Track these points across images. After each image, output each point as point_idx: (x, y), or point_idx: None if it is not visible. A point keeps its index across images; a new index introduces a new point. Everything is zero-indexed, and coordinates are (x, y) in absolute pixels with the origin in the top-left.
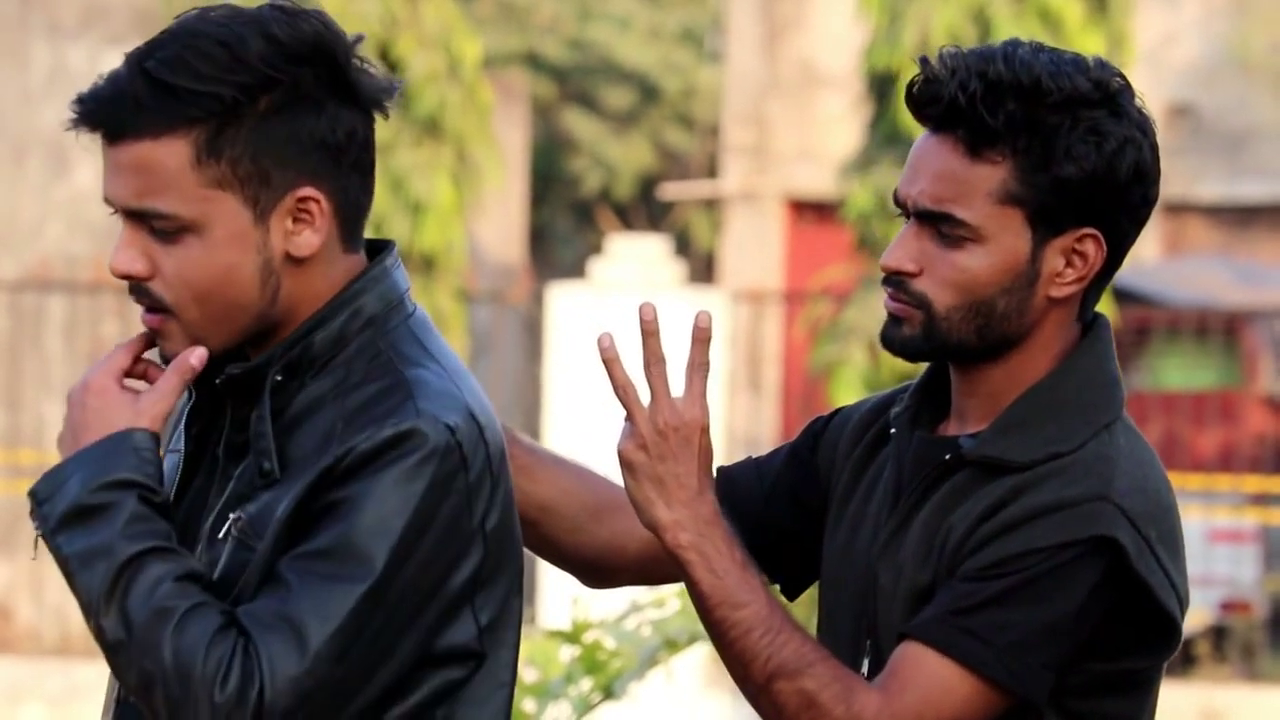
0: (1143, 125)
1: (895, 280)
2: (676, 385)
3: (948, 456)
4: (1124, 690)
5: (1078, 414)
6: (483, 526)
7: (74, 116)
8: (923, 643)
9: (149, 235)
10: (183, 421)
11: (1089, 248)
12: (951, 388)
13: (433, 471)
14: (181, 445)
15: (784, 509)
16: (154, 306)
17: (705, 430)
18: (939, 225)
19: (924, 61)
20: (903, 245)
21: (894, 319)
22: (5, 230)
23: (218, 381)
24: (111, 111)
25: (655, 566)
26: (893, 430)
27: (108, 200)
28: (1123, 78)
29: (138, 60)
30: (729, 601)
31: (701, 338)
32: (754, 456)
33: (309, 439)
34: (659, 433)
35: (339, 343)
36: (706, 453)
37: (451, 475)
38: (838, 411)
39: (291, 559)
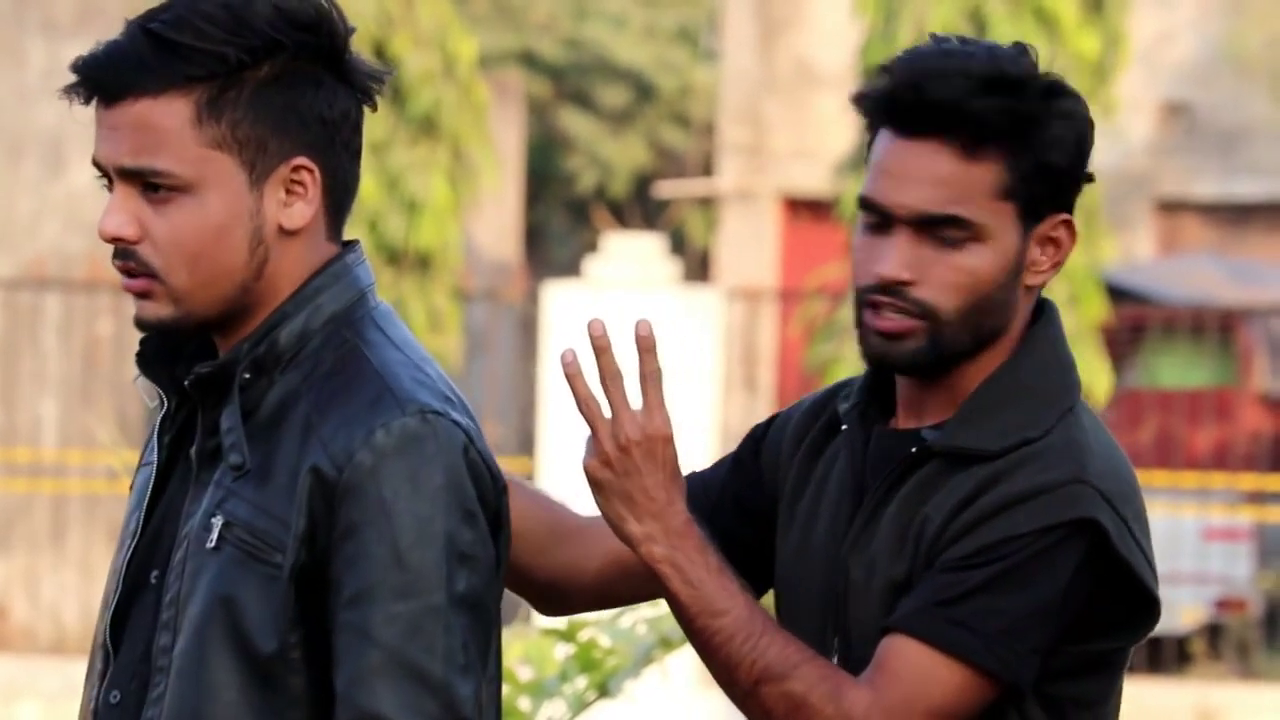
0: (1086, 104)
1: (893, 291)
2: (668, 388)
3: (914, 450)
4: (1099, 670)
5: (1041, 399)
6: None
7: (73, 80)
8: (909, 635)
9: (140, 198)
10: (155, 432)
11: (1062, 234)
12: (897, 382)
13: (445, 460)
14: (154, 458)
15: (731, 519)
16: (139, 271)
17: (668, 441)
18: (940, 230)
19: (885, 69)
20: (898, 254)
21: (888, 336)
22: (1, 228)
23: (186, 383)
24: (112, 69)
25: (610, 591)
26: (844, 426)
27: (99, 163)
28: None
29: (141, 22)
30: (708, 610)
31: (646, 346)
32: (697, 471)
33: (288, 435)
34: (621, 448)
35: (303, 338)
36: (671, 463)
37: (464, 451)
38: (776, 416)
39: (351, 603)
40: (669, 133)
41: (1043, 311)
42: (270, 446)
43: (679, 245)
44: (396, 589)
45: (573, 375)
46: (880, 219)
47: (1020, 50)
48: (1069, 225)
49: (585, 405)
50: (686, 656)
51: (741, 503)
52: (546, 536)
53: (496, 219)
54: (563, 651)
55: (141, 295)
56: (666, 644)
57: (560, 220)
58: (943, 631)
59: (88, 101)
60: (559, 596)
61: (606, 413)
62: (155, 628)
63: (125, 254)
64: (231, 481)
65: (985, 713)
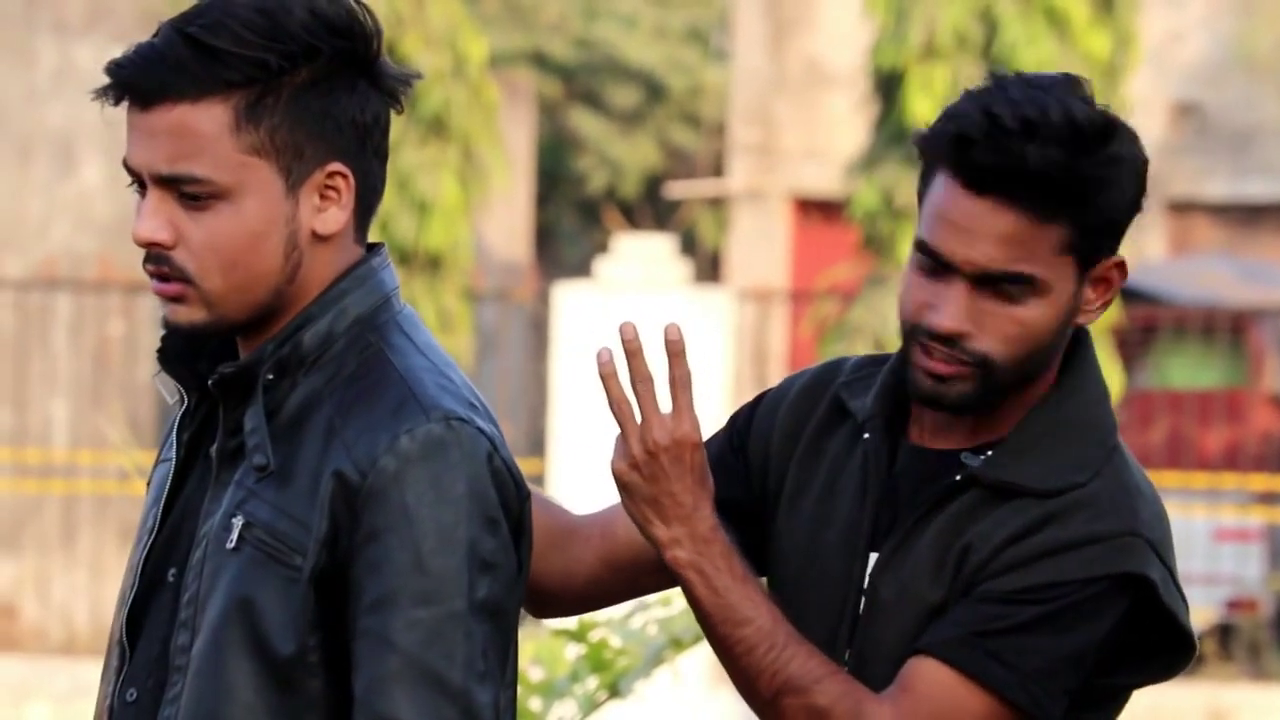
0: (1143, 157)
1: (952, 342)
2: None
3: (958, 477)
4: (1114, 700)
5: (1088, 435)
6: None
7: (108, 81)
8: (941, 660)
9: (175, 203)
10: (174, 429)
11: (1114, 274)
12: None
13: (468, 467)
14: (173, 454)
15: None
16: (172, 275)
17: (696, 446)
18: (1001, 285)
19: (961, 116)
20: (956, 307)
21: (938, 377)
22: (11, 229)
23: (210, 382)
24: (150, 74)
25: (599, 591)
26: (866, 435)
27: (133, 168)
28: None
29: (176, 27)
30: (731, 619)
31: (676, 350)
32: None
33: (311, 437)
34: (649, 453)
35: (327, 340)
36: (700, 468)
37: (488, 459)
38: (763, 396)
39: (371, 609)
40: (679, 133)
41: (1079, 338)
42: (292, 448)
43: (690, 246)
44: (417, 595)
45: (607, 375)
46: (938, 265)
47: (1082, 92)
48: (1121, 266)
49: (618, 407)
50: (697, 657)
51: (723, 502)
52: (543, 541)
53: (507, 219)
54: (574, 652)
55: (174, 299)
56: (677, 644)
57: (571, 220)
58: (979, 661)
59: (118, 103)
60: (551, 600)
61: (637, 416)
62: (173, 626)
63: (159, 259)
64: (254, 482)
65: None
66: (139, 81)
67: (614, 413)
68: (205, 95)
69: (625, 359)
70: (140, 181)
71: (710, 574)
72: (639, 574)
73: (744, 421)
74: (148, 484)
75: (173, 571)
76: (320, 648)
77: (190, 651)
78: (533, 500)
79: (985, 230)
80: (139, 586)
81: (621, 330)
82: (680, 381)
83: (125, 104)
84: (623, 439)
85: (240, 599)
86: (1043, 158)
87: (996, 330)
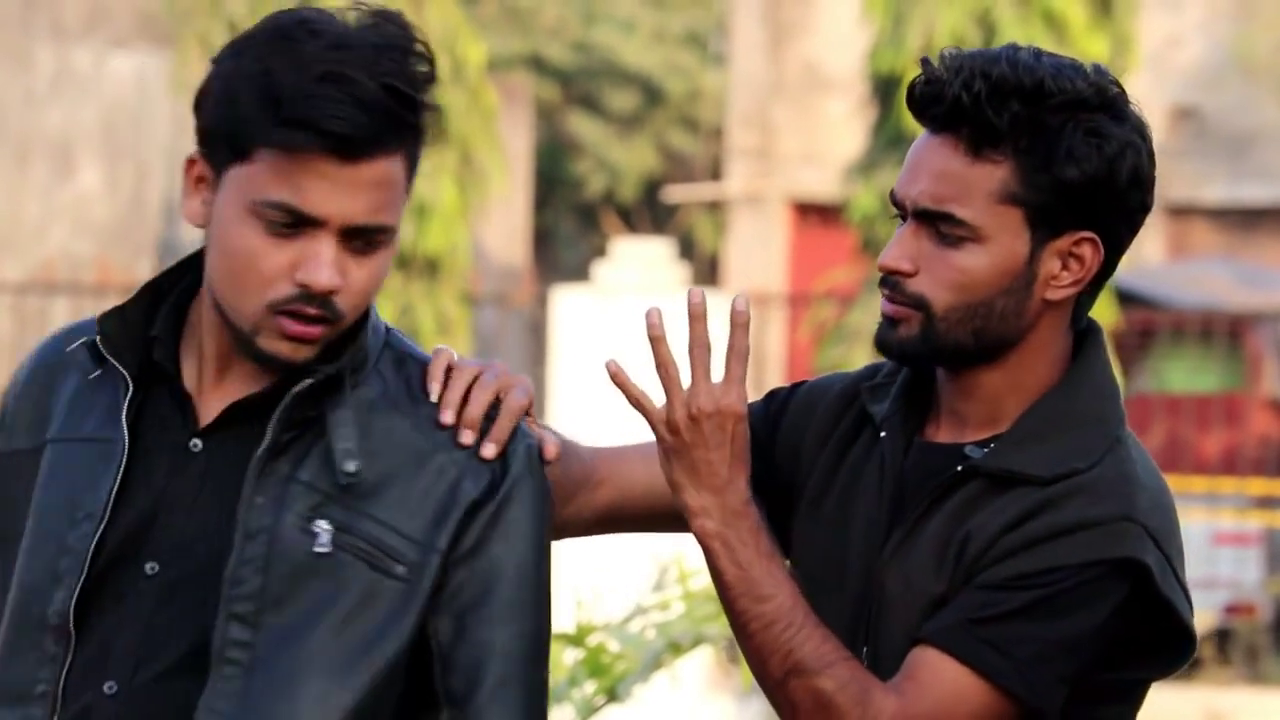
0: (1141, 130)
1: (892, 281)
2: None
3: (960, 468)
4: (1122, 698)
5: (1091, 425)
6: None
7: (322, 133)
8: (941, 649)
9: (346, 252)
10: (101, 410)
11: (1086, 251)
12: (939, 389)
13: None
14: (115, 435)
15: None
16: (327, 318)
17: (740, 418)
18: (938, 224)
19: (925, 62)
20: (900, 245)
21: (890, 321)
22: (9, 232)
23: (303, 387)
24: (368, 127)
25: (608, 525)
26: (883, 434)
27: (317, 215)
28: (1118, 84)
29: (380, 79)
30: (751, 594)
31: (740, 322)
32: None
33: (385, 446)
34: (692, 417)
35: (368, 349)
36: (740, 441)
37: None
38: (799, 387)
39: (481, 619)
40: (677, 137)
41: (1090, 333)
42: (371, 457)
43: (688, 249)
44: (524, 606)
45: (657, 338)
46: (900, 210)
47: (1094, 69)
48: (1093, 244)
49: (664, 369)
50: (695, 662)
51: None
52: (571, 486)
53: (505, 223)
54: (571, 656)
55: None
56: (675, 649)
57: (569, 224)
58: (975, 650)
59: (325, 155)
60: (616, 523)
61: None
62: (181, 622)
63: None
64: (335, 487)
65: None
66: (356, 135)
67: (660, 374)
68: (400, 149)
69: (689, 323)
70: (302, 224)
71: (736, 547)
72: (649, 521)
73: (780, 402)
74: (39, 463)
75: (152, 565)
76: (407, 654)
77: (251, 646)
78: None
79: (925, 166)
80: (90, 571)
81: (690, 294)
82: (738, 352)
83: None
84: (667, 402)
85: (332, 602)
86: (979, 88)
87: (935, 273)
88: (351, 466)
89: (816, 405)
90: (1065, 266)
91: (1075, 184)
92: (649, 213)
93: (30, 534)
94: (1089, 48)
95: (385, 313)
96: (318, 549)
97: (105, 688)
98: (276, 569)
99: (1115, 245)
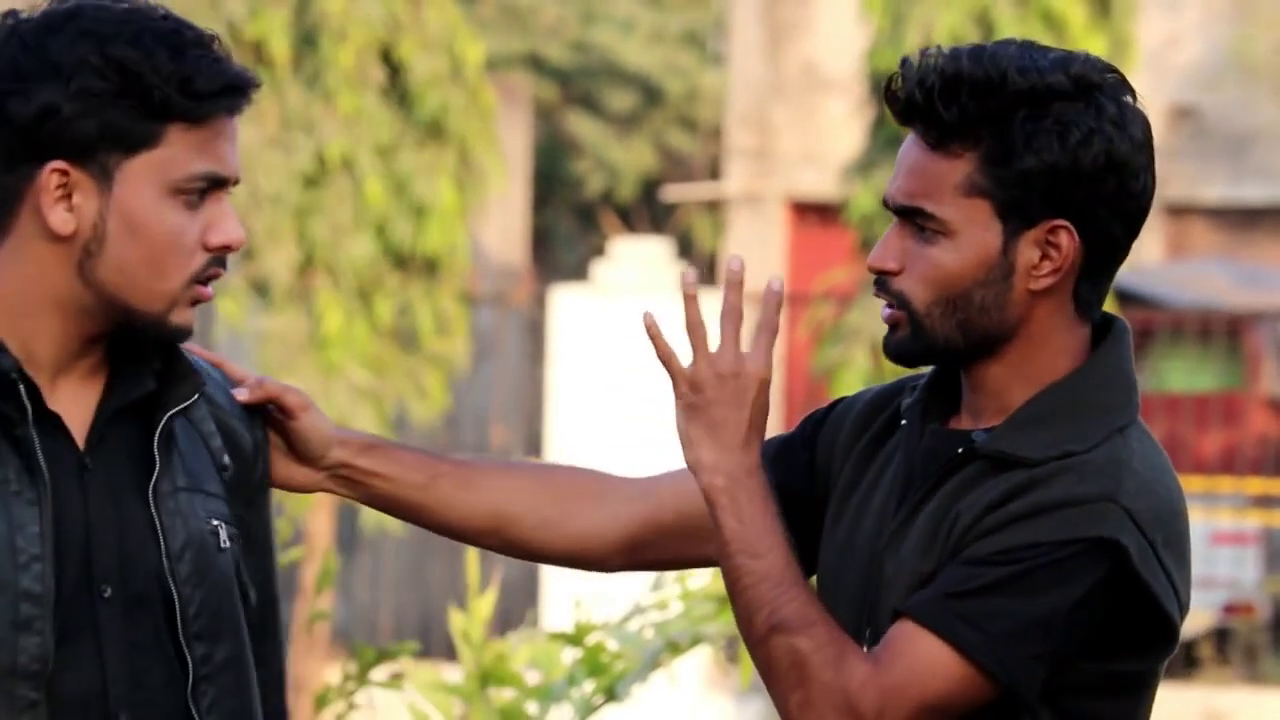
0: (1119, 118)
1: (881, 281)
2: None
3: (960, 450)
4: (1120, 691)
5: (1094, 414)
6: None
7: (230, 92)
8: (917, 622)
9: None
10: (35, 443)
11: (1062, 239)
12: (962, 384)
13: None
14: (9, 473)
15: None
16: None
17: (765, 385)
18: (915, 221)
19: (902, 61)
20: (885, 244)
21: (890, 327)
22: None
23: (179, 406)
24: (251, 80)
25: (640, 551)
26: (903, 421)
27: (234, 174)
28: (1115, 74)
29: (204, 34)
30: (748, 550)
31: (773, 300)
32: None
33: (200, 438)
34: (719, 375)
35: None
36: (761, 409)
37: None
38: (838, 402)
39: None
40: (676, 137)
41: (1111, 328)
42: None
43: (686, 249)
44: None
45: (690, 297)
46: (888, 208)
47: (1084, 60)
48: (1069, 231)
49: (694, 330)
50: (694, 661)
51: (784, 486)
52: (548, 510)
53: (504, 223)
54: (570, 655)
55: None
56: (674, 648)
57: (568, 224)
58: (948, 623)
59: (227, 115)
60: (591, 560)
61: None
62: (152, 645)
63: None
64: (197, 480)
65: (998, 717)
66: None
67: (690, 334)
68: None
69: (725, 290)
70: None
71: (741, 503)
72: (679, 542)
73: (815, 422)
74: None
75: (104, 588)
76: None
77: (214, 659)
78: (525, 473)
79: (903, 164)
80: (62, 612)
81: (729, 262)
82: (768, 326)
83: None
84: (694, 362)
85: (237, 596)
86: (932, 83)
87: (915, 270)
88: (226, 460)
89: (848, 415)
90: (1045, 256)
91: (1036, 173)
92: (648, 212)
93: None
94: (1087, 47)
95: (383, 312)
96: (223, 546)
97: (119, 715)
98: (209, 577)
99: (1099, 232)
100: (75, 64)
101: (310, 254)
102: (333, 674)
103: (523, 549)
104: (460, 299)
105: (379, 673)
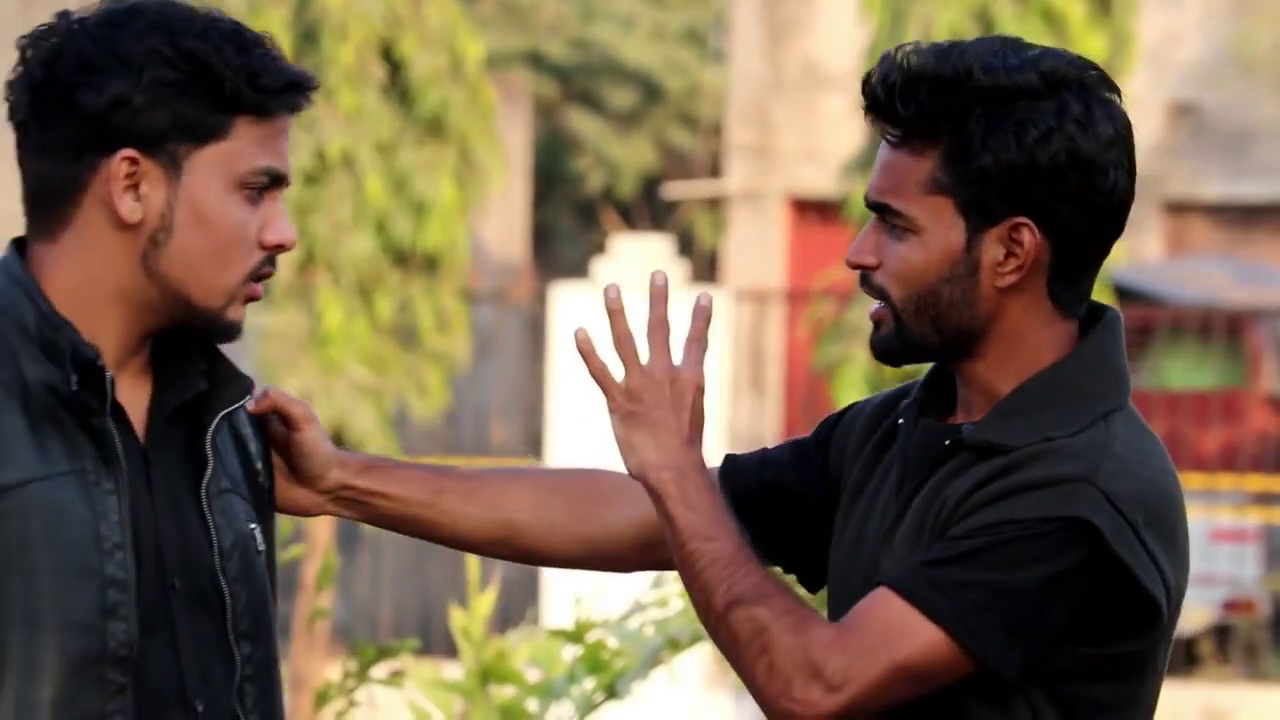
0: (1084, 116)
1: (863, 275)
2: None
3: (948, 442)
4: (1114, 675)
5: (1078, 401)
6: None
7: (294, 90)
8: (890, 588)
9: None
10: (115, 436)
11: (1024, 236)
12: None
13: None
14: (84, 464)
15: (783, 501)
16: None
17: (700, 390)
18: (886, 218)
19: (881, 57)
20: (862, 239)
21: (875, 325)
22: (10, 232)
23: (231, 408)
24: (311, 81)
25: (654, 550)
26: (901, 421)
27: (289, 173)
28: (1096, 71)
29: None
30: (700, 534)
31: (702, 315)
32: (764, 448)
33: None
34: (656, 383)
35: None
36: (699, 412)
37: None
38: (851, 407)
39: None
40: (677, 134)
41: (1101, 318)
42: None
43: (686, 246)
44: None
45: (615, 311)
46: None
47: (1061, 59)
48: (1030, 228)
49: (622, 342)
50: (694, 659)
51: (798, 487)
52: (558, 515)
53: (504, 220)
54: (571, 653)
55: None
56: (674, 645)
57: (568, 221)
58: (920, 590)
59: (289, 114)
60: (609, 560)
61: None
62: (213, 640)
63: None
64: (249, 489)
65: (991, 700)
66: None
67: (619, 348)
68: None
69: (650, 304)
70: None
71: (691, 493)
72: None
73: (829, 426)
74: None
75: (175, 581)
76: None
77: (255, 659)
78: (530, 480)
79: (878, 161)
80: (140, 601)
81: (654, 277)
82: (698, 340)
83: None
84: (627, 374)
85: (270, 596)
86: (893, 81)
87: (889, 267)
88: (260, 465)
89: (858, 419)
90: (1009, 253)
91: (993, 171)
92: (648, 209)
93: (49, 574)
94: (1088, 45)
95: (384, 309)
96: (260, 549)
97: (196, 705)
98: (252, 578)
99: (1065, 229)
100: (146, 55)
101: (310, 251)
102: (333, 671)
103: (536, 556)
104: (461, 296)
105: (379, 670)
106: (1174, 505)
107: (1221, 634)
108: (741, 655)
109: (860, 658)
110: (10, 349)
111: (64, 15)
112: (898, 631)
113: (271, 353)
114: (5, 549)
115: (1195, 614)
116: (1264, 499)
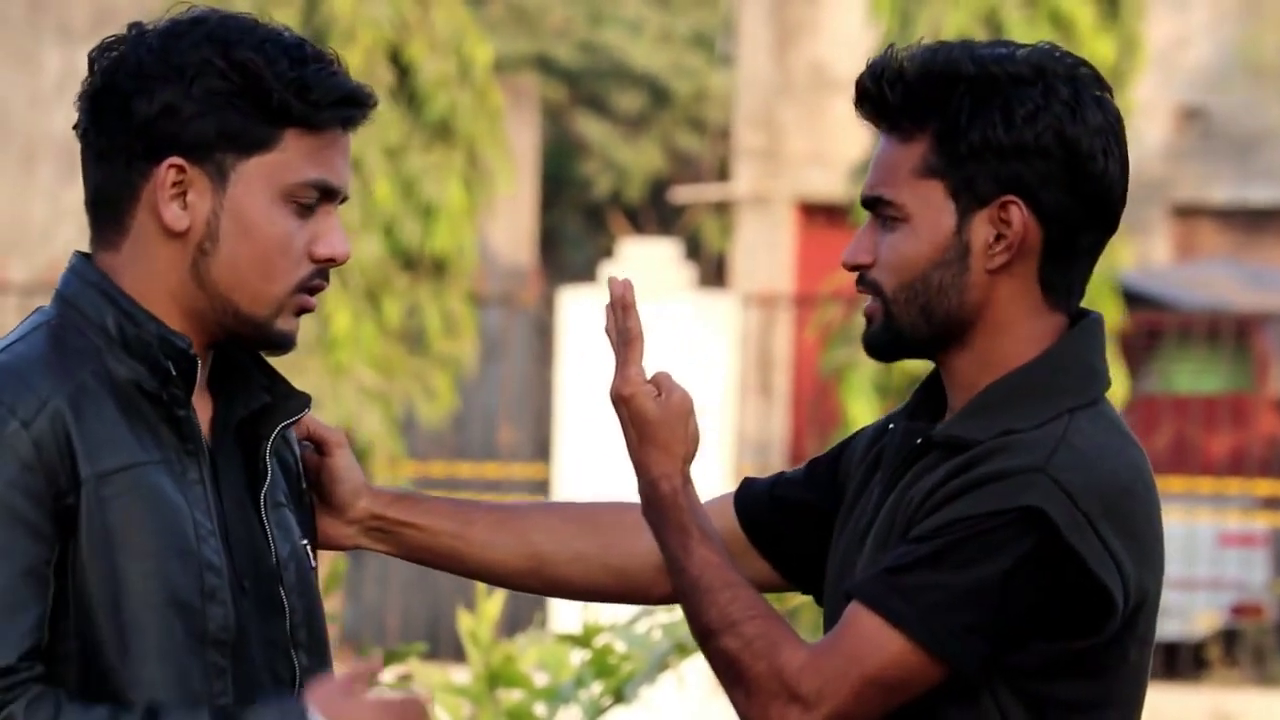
0: (1073, 100)
1: (860, 277)
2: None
3: (919, 440)
4: (1078, 673)
5: (1043, 397)
6: None
7: (349, 104)
8: (857, 599)
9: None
10: (203, 426)
11: (1012, 214)
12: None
13: None
14: (169, 454)
15: (797, 517)
16: None
17: (692, 412)
18: (878, 211)
19: (870, 60)
20: (857, 240)
21: (868, 321)
22: (16, 234)
23: (289, 420)
24: (368, 98)
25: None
26: (891, 426)
27: (345, 188)
28: (1088, 69)
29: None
30: (674, 559)
31: (627, 309)
32: (784, 471)
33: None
34: (668, 388)
35: None
36: (695, 434)
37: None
38: (868, 427)
39: None
40: (684, 138)
41: (1085, 320)
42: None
43: (694, 250)
44: None
45: (626, 306)
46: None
47: (1050, 53)
48: (1019, 206)
49: (629, 340)
50: (701, 663)
51: (810, 506)
52: (582, 545)
53: (512, 224)
54: (578, 657)
55: None
56: (682, 650)
57: (575, 225)
58: (884, 598)
59: (342, 128)
60: (639, 589)
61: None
62: (279, 646)
63: None
64: (297, 504)
65: (959, 700)
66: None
67: (618, 341)
68: None
69: (615, 314)
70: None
71: (696, 505)
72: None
73: (842, 445)
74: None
75: (246, 580)
76: None
77: (311, 671)
78: (555, 512)
79: (873, 161)
80: (232, 590)
81: (612, 284)
82: (664, 373)
83: None
84: (654, 379)
85: (323, 613)
86: (881, 71)
87: (883, 260)
88: (306, 485)
89: (866, 433)
90: (1000, 234)
91: (981, 149)
92: (656, 213)
93: (155, 554)
94: (1096, 48)
95: (392, 313)
96: (313, 564)
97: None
98: (306, 592)
99: (1055, 210)
100: (199, 65)
101: None
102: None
103: (564, 587)
104: (468, 300)
105: (387, 674)
106: (1135, 499)
107: (1230, 638)
108: (724, 687)
109: (834, 677)
110: (94, 348)
111: (133, 26)
112: (867, 645)
113: (279, 356)
114: (113, 530)
115: (1203, 618)
116: (1272, 503)
